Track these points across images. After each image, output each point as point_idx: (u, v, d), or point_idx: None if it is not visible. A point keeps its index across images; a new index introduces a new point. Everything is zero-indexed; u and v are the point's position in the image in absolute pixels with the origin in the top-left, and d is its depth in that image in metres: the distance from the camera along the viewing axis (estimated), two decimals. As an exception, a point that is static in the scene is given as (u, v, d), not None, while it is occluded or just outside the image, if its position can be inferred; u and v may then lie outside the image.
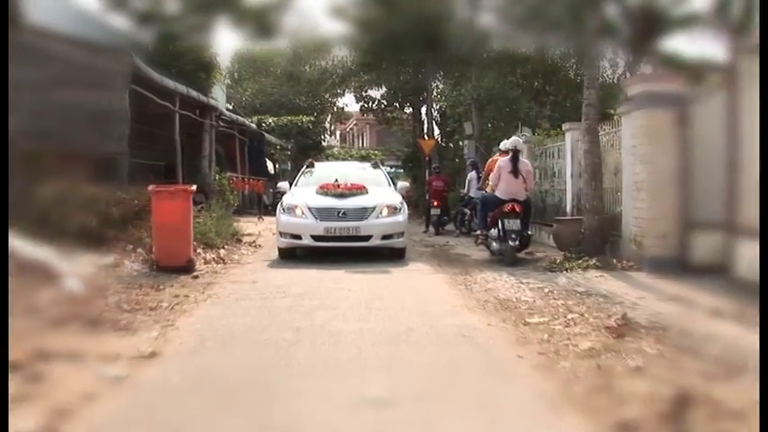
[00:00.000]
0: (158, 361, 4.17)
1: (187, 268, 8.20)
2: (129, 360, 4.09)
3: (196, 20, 12.07)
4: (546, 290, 6.57)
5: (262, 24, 17.20)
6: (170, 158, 14.91)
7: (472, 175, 14.40)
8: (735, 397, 3.25)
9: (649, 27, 13.18)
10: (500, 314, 5.61)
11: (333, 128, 39.91)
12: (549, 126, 14.35)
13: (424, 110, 24.39)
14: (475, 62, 16.47)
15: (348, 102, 32.62)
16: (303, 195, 10.52)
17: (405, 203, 10.63)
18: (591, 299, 6.02)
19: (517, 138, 10.35)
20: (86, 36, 12.32)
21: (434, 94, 23.64)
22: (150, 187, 8.65)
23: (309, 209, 9.96)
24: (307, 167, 12.54)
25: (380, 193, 10.70)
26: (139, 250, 8.80)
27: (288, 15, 19.86)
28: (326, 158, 29.43)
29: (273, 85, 30.57)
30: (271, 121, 27.77)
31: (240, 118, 22.41)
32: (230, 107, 24.33)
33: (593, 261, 8.09)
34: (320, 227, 9.79)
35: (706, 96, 7.68)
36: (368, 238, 9.78)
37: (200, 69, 18.08)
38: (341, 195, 10.21)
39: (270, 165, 26.62)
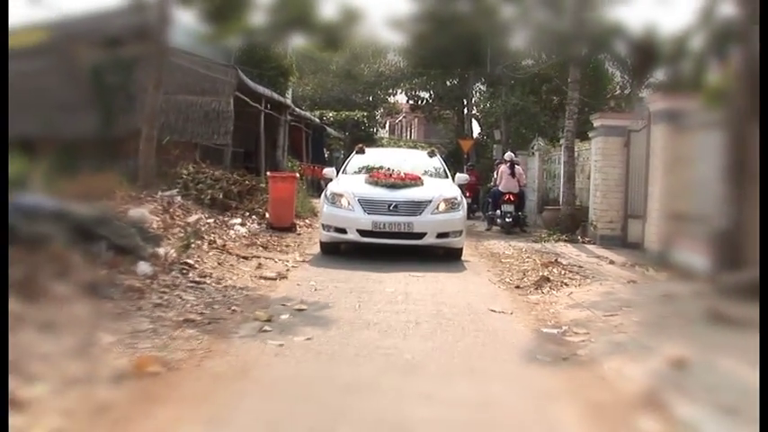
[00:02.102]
0: (305, 262, 8.63)
1: (290, 228, 12.49)
2: (293, 261, 8.56)
3: (277, 33, 16.22)
4: (522, 248, 10.81)
5: (330, 37, 21.83)
6: (249, 146, 19.40)
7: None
8: (575, 282, 7.48)
9: (649, 59, 17.10)
10: (488, 257, 9.97)
11: (383, 120, 44.22)
12: (560, 137, 18.49)
13: (465, 111, 28.60)
14: (504, 81, 20.73)
15: (399, 98, 36.85)
16: (351, 184, 9.86)
17: (464, 197, 10.10)
18: (546, 254, 10.22)
19: (511, 153, 14.92)
20: (203, 53, 17.05)
21: (474, 100, 27.84)
22: (269, 173, 13.11)
23: (357, 200, 9.27)
24: (356, 153, 11.73)
25: (437, 185, 10.05)
26: (254, 216, 13.20)
27: (353, 29, 24.41)
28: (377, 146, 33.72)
29: (333, 82, 35.00)
30: (330, 115, 32.27)
31: (307, 113, 26.94)
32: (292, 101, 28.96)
33: (564, 236, 12.29)
34: (368, 221, 9.09)
35: (640, 128, 11.75)
36: (422, 235, 9.12)
37: (279, 75, 22.62)
38: (393, 186, 9.50)
39: (326, 153, 31.27)
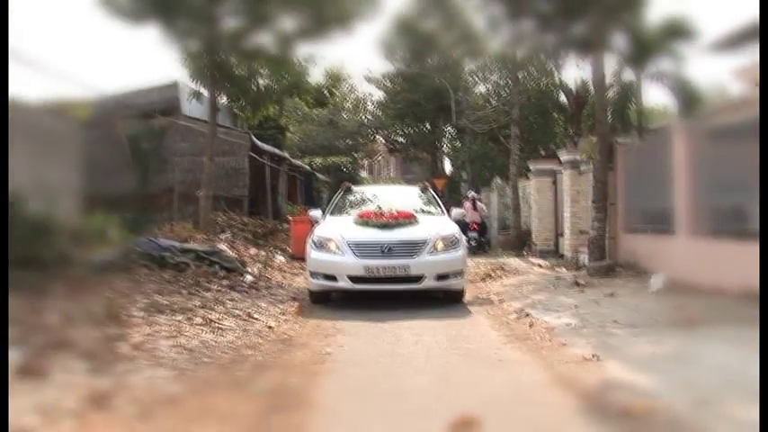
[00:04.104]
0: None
1: (308, 257, 16.95)
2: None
3: (278, 98, 20.50)
4: (481, 262, 15.27)
5: (318, 97, 26.65)
6: (254, 194, 23.70)
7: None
8: (507, 276, 12.02)
9: (581, 106, 21.79)
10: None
11: (363, 162, 48.91)
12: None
13: (437, 152, 33.42)
14: (467, 130, 25.60)
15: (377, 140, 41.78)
16: (339, 226, 9.35)
17: (462, 235, 9.59)
18: (495, 264, 14.71)
19: (473, 192, 19.53)
20: (221, 122, 21.59)
21: (444, 142, 32.74)
22: (290, 217, 17.60)
23: (347, 243, 8.76)
24: (343, 192, 11.14)
25: (433, 222, 9.56)
26: (279, 250, 17.62)
27: (337, 88, 29.24)
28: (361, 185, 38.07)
29: (317, 131, 39.73)
30: (318, 161, 36.94)
31: (298, 162, 31.54)
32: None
33: (514, 253, 16.87)
34: (360, 266, 8.57)
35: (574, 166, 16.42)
36: (419, 279, 8.62)
37: (278, 132, 27.27)
38: (385, 226, 9.01)
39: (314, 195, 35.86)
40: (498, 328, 7.30)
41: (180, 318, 6.79)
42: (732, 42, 12.90)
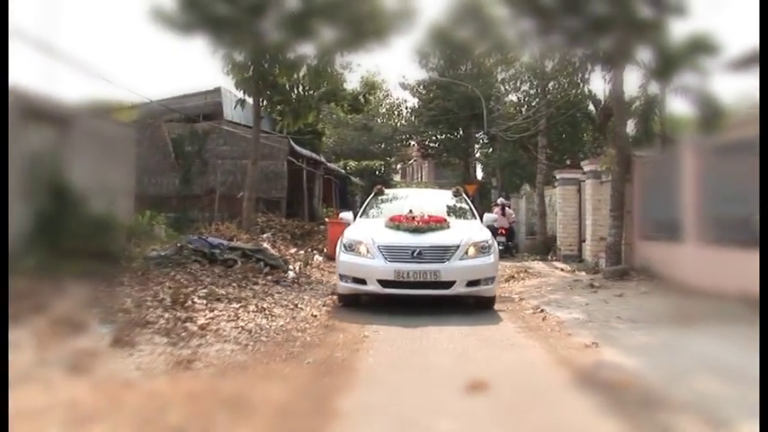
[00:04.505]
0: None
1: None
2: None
3: (315, 105, 21.52)
4: (507, 265, 16.11)
5: (354, 104, 27.73)
6: (291, 197, 24.66)
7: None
8: (530, 278, 12.91)
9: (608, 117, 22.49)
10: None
11: (396, 167, 50.10)
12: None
13: (469, 159, 34.34)
14: (498, 138, 26.50)
15: (411, 145, 42.76)
16: (369, 229, 9.34)
17: (495, 241, 9.50)
18: (521, 267, 15.58)
19: (501, 198, 20.34)
20: (261, 126, 22.68)
21: (477, 148, 33.65)
22: (327, 219, 18.66)
23: (377, 246, 8.73)
24: (375, 195, 11.24)
25: (465, 227, 9.51)
26: (315, 251, 18.68)
27: (372, 95, 30.26)
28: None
29: (352, 135, 40.90)
30: (352, 164, 38.07)
31: (334, 165, 32.67)
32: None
33: (539, 257, 17.72)
34: (389, 269, 8.54)
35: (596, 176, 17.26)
36: (449, 284, 8.56)
37: (315, 137, 28.36)
38: (416, 230, 9.00)
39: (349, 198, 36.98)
40: (514, 321, 8.20)
41: (236, 305, 7.84)
42: (746, 62, 13.62)
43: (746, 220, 8.56)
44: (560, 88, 22.64)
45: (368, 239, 8.87)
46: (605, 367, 5.43)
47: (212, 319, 6.99)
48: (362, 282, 8.72)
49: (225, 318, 7.10)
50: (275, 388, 4.66)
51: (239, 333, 6.45)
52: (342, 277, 8.99)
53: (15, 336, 5.27)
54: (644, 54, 17.47)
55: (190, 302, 7.60)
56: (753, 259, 7.88)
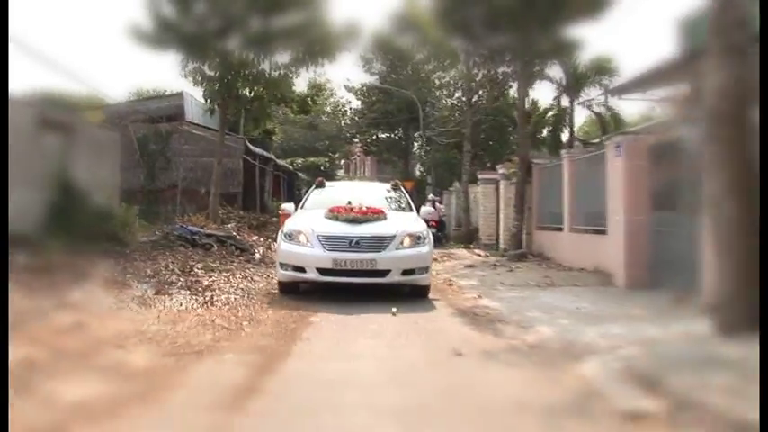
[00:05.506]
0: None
1: (295, 245, 20.96)
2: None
3: (270, 111, 24.42)
4: (436, 252, 19.34)
5: (302, 105, 30.80)
6: (245, 191, 27.24)
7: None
8: (451, 261, 16.16)
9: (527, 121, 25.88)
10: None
11: (340, 163, 53.16)
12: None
13: (407, 157, 37.65)
14: (432, 140, 29.89)
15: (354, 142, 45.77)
16: (309, 220, 9.61)
17: (429, 232, 9.94)
18: (446, 253, 18.79)
19: (433, 195, 23.73)
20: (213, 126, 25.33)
21: (414, 148, 36.96)
22: (279, 211, 21.55)
23: (316, 236, 9.06)
24: (316, 187, 11.70)
25: (401, 218, 9.91)
26: (270, 239, 21.55)
27: (320, 97, 33.29)
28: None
29: (299, 133, 43.79)
30: (299, 161, 41.01)
31: (283, 162, 35.54)
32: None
33: (463, 246, 21.03)
34: (328, 258, 8.90)
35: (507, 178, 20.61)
36: (385, 273, 8.96)
37: (266, 137, 31.19)
38: (354, 221, 9.34)
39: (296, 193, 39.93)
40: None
41: (226, 274, 10.84)
42: (625, 89, 17.08)
43: (598, 214, 11.91)
44: (488, 97, 25.94)
45: (307, 229, 9.23)
46: (477, 307, 8.63)
47: (213, 281, 9.97)
48: (302, 270, 9.09)
49: (221, 281, 10.09)
50: (270, 314, 7.73)
51: (235, 290, 9.45)
52: (282, 265, 9.38)
53: (85, 289, 8.20)
54: (556, 72, 21.14)
55: (195, 271, 10.57)
56: (601, 242, 11.28)
